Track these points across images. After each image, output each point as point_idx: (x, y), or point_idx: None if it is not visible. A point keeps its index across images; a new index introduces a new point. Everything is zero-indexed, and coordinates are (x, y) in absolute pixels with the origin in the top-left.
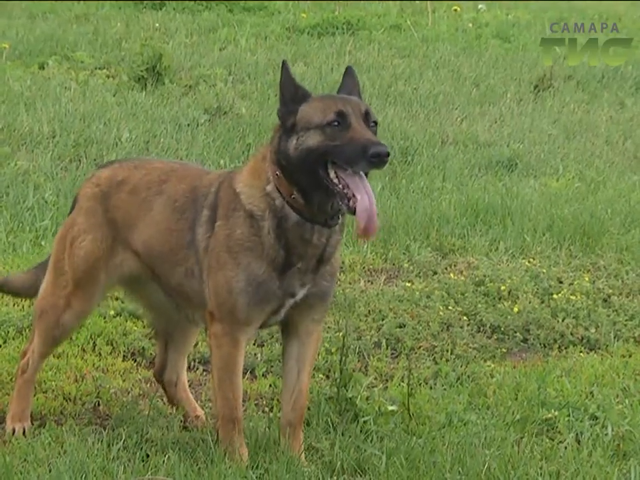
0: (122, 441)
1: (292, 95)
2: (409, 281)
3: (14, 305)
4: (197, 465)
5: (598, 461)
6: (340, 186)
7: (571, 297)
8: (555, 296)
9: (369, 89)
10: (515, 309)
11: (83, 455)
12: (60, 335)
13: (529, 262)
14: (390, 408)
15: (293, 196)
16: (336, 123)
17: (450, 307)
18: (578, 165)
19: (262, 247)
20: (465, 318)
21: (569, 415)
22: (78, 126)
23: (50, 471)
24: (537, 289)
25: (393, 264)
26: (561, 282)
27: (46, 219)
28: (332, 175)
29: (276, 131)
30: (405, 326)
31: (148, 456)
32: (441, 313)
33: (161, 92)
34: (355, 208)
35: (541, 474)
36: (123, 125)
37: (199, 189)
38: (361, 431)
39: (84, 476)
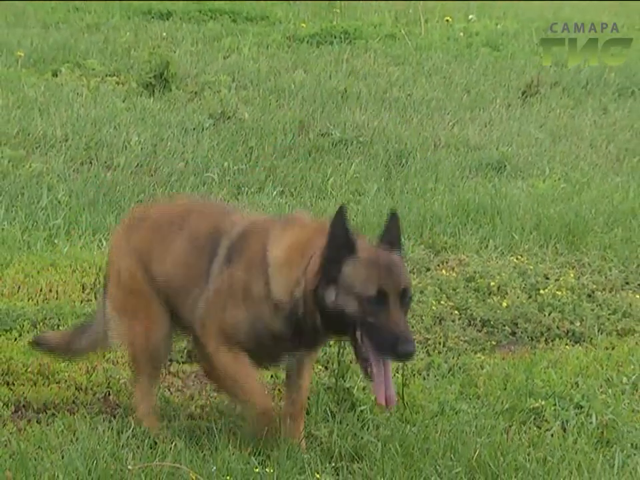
0: (131, 429)
1: (342, 243)
2: None
3: (29, 300)
4: (202, 451)
5: (583, 447)
6: (363, 348)
7: (557, 292)
8: (541, 291)
9: (365, 96)
10: (504, 304)
11: (94, 442)
12: (152, 354)
13: (517, 259)
14: None
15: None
16: (375, 300)
17: (442, 302)
18: (563, 167)
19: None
20: (456, 312)
21: (555, 404)
22: (89, 130)
23: (62, 457)
24: (525, 285)
25: None
26: (547, 278)
27: (59, 218)
28: (358, 335)
29: (321, 261)
30: None
31: (156, 443)
32: (433, 308)
33: (168, 98)
34: (372, 376)
35: (528, 460)
36: (132, 129)
37: (220, 229)
38: (357, 420)
39: (95, 462)
